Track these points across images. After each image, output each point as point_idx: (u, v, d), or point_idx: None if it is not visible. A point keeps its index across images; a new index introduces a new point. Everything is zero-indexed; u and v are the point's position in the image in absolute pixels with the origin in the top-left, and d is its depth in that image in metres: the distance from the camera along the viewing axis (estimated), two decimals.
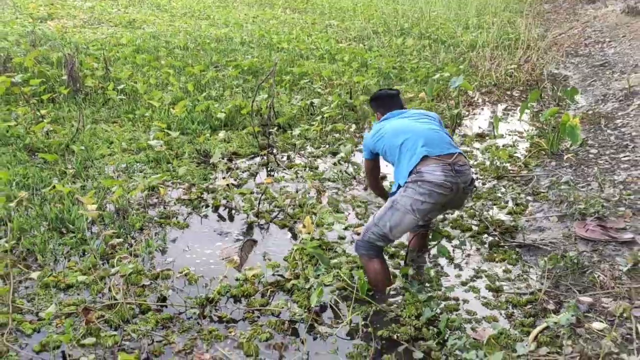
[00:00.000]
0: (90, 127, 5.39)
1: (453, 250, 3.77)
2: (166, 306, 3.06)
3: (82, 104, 6.06)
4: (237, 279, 3.31)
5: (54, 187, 3.92)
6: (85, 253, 3.48)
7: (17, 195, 3.89)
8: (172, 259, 3.53)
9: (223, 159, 5.09)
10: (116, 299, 2.98)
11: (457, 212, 4.24)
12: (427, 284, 3.36)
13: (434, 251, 3.72)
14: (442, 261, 3.66)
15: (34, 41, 7.62)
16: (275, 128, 5.75)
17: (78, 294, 3.11)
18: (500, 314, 3.13)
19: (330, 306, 3.10)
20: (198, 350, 2.75)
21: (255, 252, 3.68)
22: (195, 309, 3.03)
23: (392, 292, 3.24)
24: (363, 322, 2.97)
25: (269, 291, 3.24)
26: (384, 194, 3.85)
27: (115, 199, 3.89)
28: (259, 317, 3.04)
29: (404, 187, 3.14)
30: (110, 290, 3.04)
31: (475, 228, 4.08)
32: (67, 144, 4.93)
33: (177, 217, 4.05)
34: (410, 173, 3.12)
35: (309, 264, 3.49)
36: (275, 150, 5.35)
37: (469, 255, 3.75)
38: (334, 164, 4.87)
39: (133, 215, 3.94)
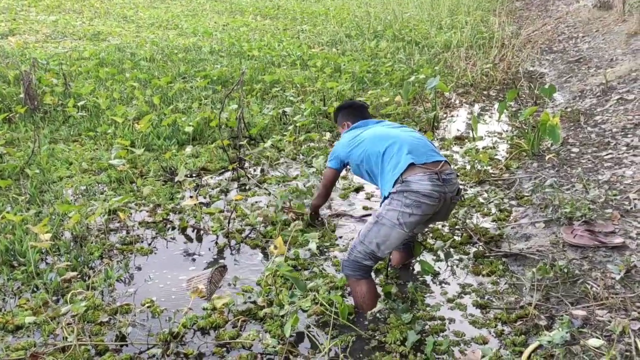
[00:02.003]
0: (48, 148, 5.07)
1: (435, 264, 3.55)
2: (127, 345, 2.78)
3: (40, 123, 5.74)
4: (204, 309, 3.04)
5: (4, 216, 3.61)
6: (38, 289, 3.19)
7: None
8: (134, 290, 3.25)
9: (191, 175, 4.82)
10: (70, 341, 2.69)
11: (438, 223, 4.03)
12: (411, 303, 3.13)
13: (417, 267, 3.50)
14: (427, 277, 3.44)
15: None
16: (246, 140, 5.49)
17: (28, 336, 2.81)
18: (490, 333, 2.91)
19: (307, 335, 2.85)
20: None
21: (226, 277, 3.42)
22: (158, 346, 2.75)
23: (376, 314, 3.00)
24: (343, 353, 2.73)
25: (239, 321, 2.98)
26: (317, 211, 3.93)
27: (71, 225, 3.60)
28: (228, 351, 2.78)
29: (388, 199, 2.92)
30: (63, 330, 2.74)
31: (458, 238, 3.87)
32: (22, 167, 4.62)
33: (141, 243, 3.77)
34: (395, 182, 2.90)
35: (284, 287, 3.24)
36: (246, 164, 5.10)
37: (453, 268, 3.53)
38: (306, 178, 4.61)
39: (92, 242, 3.65)
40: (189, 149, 4.95)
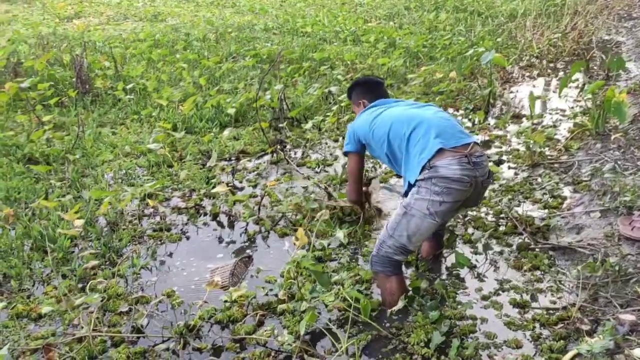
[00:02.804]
0: (94, 132, 5.15)
1: (473, 257, 3.29)
2: (143, 336, 2.75)
3: (90, 107, 5.85)
4: (225, 301, 2.96)
5: (40, 202, 3.68)
6: (66, 277, 3.22)
7: (2, 212, 3.68)
8: (157, 279, 3.22)
9: (229, 159, 4.75)
10: (84, 332, 2.69)
11: (477, 209, 3.75)
12: (441, 299, 2.91)
13: (451, 258, 3.26)
14: (462, 270, 3.20)
15: (44, 43, 7.46)
16: (287, 122, 5.35)
17: (50, 325, 2.84)
18: (525, 336, 2.65)
19: (326, 331, 2.70)
20: None
21: (251, 268, 3.32)
22: (174, 339, 2.70)
23: (400, 311, 2.81)
24: (361, 352, 2.57)
25: (258, 315, 2.88)
26: (362, 204, 3.51)
27: (103, 211, 3.62)
28: (243, 347, 2.69)
29: (416, 186, 2.69)
30: (80, 320, 2.74)
31: (502, 228, 3.58)
32: (67, 151, 4.71)
33: (172, 229, 3.74)
34: (423, 168, 2.67)
35: (307, 280, 3.10)
36: (287, 146, 4.97)
37: (492, 261, 3.26)
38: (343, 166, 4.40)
39: (123, 229, 3.66)
40: (227, 132, 4.88)
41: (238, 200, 3.87)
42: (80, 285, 3.12)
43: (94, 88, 6.13)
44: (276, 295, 3.00)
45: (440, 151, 2.66)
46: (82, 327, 2.69)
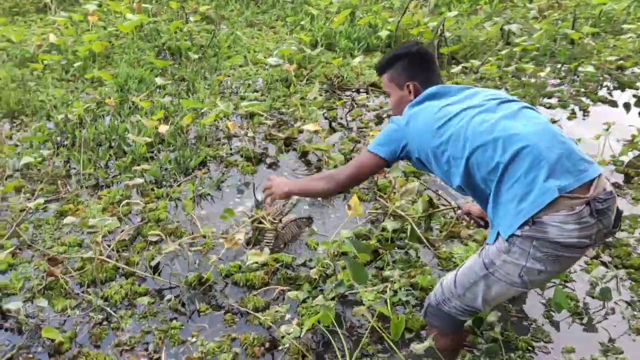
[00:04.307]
0: (233, 33, 4.90)
1: (583, 299, 2.40)
2: (153, 277, 2.50)
3: (251, 2, 5.60)
4: (255, 263, 2.56)
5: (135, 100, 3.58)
6: (110, 185, 3.11)
7: (107, 102, 3.67)
8: (208, 213, 2.93)
9: (357, 90, 4.16)
10: (102, 254, 2.54)
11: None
12: (502, 345, 2.16)
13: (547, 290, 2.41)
14: (557, 314, 2.35)
15: None
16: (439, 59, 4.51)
17: (82, 233, 2.76)
18: None
19: (333, 339, 2.17)
20: (139, 351, 2.18)
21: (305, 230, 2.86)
22: (180, 289, 2.43)
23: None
24: None
25: (278, 289, 2.44)
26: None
27: (186, 123, 3.39)
28: (245, 323, 2.30)
29: (507, 243, 1.77)
30: (95, 243, 2.58)
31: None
32: (204, 47, 4.55)
33: (256, 157, 3.38)
34: (525, 223, 1.74)
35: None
36: None
37: (608, 314, 2.34)
38: None
39: (207, 146, 3.42)
40: (357, 60, 4.25)
41: (318, 148, 3.31)
42: (132, 196, 2.99)
43: None
44: (310, 269, 2.53)
45: (553, 200, 1.72)
46: (100, 249, 2.54)
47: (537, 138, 1.77)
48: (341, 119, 3.81)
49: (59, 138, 3.51)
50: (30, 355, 2.13)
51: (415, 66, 2.12)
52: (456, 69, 4.07)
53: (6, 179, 3.12)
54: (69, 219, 2.58)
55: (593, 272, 2.45)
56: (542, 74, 4.15)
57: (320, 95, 4.05)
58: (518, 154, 1.75)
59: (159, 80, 3.86)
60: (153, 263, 2.53)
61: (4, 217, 2.83)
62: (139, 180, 2.87)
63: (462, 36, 4.79)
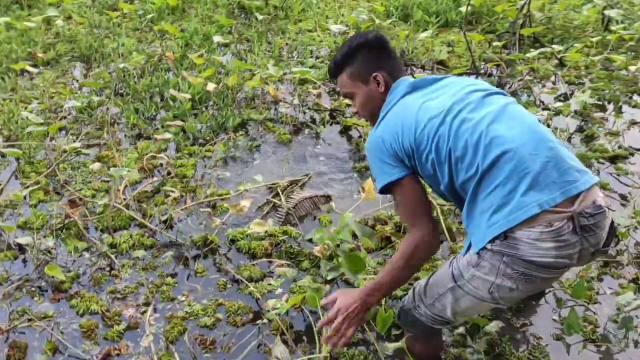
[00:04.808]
0: None
1: (601, 326, 2.14)
2: (161, 232, 2.55)
3: None
4: (265, 232, 2.53)
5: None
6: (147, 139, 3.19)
7: (167, 55, 3.75)
8: (232, 175, 2.94)
9: (424, 67, 3.94)
10: (121, 202, 2.62)
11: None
12: None
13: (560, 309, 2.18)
14: (568, 338, 2.11)
15: None
16: (519, 41, 4.13)
17: (108, 181, 2.86)
18: None
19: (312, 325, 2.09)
20: (129, 300, 2.24)
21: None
22: (183, 248, 2.46)
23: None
24: None
25: (277, 262, 2.40)
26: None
27: (231, 84, 3.39)
28: (236, 290, 2.29)
29: (476, 256, 1.60)
30: (116, 192, 2.66)
31: None
32: (279, 8, 4.50)
33: (294, 128, 3.32)
34: (496, 237, 1.55)
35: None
36: (497, 72, 3.87)
37: (627, 345, 2.08)
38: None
39: (252, 107, 3.41)
40: (425, 34, 4.00)
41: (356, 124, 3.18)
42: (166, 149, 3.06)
43: None
44: (315, 244, 2.45)
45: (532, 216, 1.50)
46: (120, 195, 2.63)
47: (520, 142, 1.55)
48: None
49: (117, 86, 3.64)
50: (33, 288, 2.27)
51: (378, 55, 1.84)
52: (533, 53, 3.71)
53: (60, 119, 3.30)
54: (95, 165, 2.69)
55: (619, 297, 2.17)
56: (633, 68, 3.68)
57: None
58: (498, 160, 1.54)
59: (216, 38, 3.87)
60: (164, 218, 2.58)
61: (49, 157, 3.00)
62: (168, 135, 2.92)
63: (553, 17, 4.36)
